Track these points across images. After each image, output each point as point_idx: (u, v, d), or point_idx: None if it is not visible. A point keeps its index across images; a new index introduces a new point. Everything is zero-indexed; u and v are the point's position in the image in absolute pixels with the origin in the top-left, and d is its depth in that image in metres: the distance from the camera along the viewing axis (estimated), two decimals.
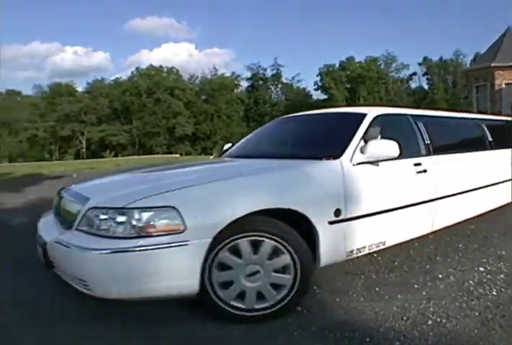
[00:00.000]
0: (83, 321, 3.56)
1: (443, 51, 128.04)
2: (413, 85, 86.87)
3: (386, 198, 4.33)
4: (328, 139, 4.74)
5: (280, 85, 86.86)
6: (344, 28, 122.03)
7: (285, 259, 3.44)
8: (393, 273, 4.50)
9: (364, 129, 4.41)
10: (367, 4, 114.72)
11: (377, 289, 4.08)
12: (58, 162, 56.08)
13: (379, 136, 4.36)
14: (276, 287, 3.46)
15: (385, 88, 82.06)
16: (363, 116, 4.63)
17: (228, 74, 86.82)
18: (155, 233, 3.04)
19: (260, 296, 3.41)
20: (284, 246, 3.41)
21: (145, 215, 3.04)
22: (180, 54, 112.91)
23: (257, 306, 3.40)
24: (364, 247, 4.14)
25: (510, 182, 6.65)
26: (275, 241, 3.38)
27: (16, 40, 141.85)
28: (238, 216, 3.22)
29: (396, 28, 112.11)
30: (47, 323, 3.55)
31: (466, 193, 5.47)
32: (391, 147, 4.14)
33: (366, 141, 4.25)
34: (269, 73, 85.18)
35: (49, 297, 4.11)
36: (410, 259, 4.92)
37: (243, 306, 3.38)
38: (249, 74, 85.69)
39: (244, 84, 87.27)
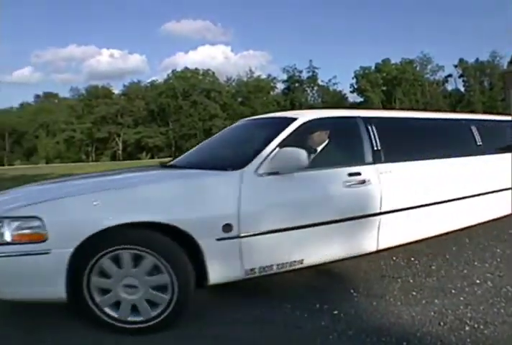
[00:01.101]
0: None
1: (479, 52, 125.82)
2: (449, 87, 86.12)
3: (302, 212, 3.90)
4: (245, 147, 4.49)
5: (316, 88, 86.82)
6: (380, 30, 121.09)
7: (164, 278, 3.32)
8: (430, 277, 4.45)
9: (285, 136, 4.03)
10: (400, 5, 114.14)
11: (414, 293, 4.05)
12: (94, 163, 57.15)
13: (326, 142, 4.14)
14: (152, 303, 3.35)
15: (421, 91, 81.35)
16: (291, 121, 4.24)
17: (264, 76, 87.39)
18: (22, 241, 3.16)
19: (135, 309, 3.34)
20: (163, 264, 3.29)
21: (13, 224, 3.15)
22: (216, 56, 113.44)
23: (130, 318, 3.35)
24: (271, 266, 3.75)
25: (510, 191, 5.71)
26: (155, 257, 3.28)
27: (54, 44, 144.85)
28: (102, 228, 3.18)
29: (431, 29, 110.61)
30: None
31: (434, 205, 4.77)
32: (298, 156, 3.76)
33: None
34: (305, 75, 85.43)
35: None
36: (447, 264, 4.86)
37: (116, 315, 3.33)
38: (285, 76, 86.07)
39: (280, 86, 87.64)
